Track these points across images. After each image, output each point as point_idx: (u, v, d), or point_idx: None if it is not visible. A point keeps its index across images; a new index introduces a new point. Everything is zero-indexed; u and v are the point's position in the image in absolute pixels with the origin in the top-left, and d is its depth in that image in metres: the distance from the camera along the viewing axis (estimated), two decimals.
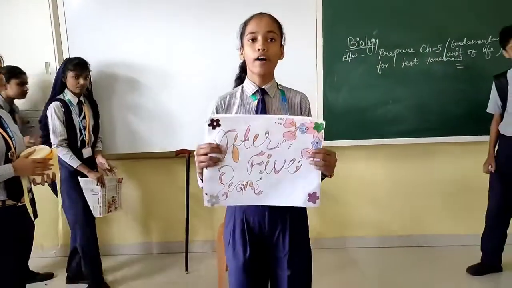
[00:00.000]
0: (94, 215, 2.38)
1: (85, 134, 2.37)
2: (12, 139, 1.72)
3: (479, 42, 2.61)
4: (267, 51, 1.21)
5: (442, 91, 2.67)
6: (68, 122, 2.28)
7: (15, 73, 2.41)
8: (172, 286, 2.57)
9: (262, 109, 1.27)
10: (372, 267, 2.71)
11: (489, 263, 2.51)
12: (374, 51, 2.65)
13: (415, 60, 2.66)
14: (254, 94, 1.30)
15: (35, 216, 1.88)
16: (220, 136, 1.12)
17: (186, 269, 2.72)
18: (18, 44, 2.63)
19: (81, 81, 2.30)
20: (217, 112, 1.30)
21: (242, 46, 1.29)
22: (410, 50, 2.65)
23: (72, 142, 2.31)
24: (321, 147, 1.13)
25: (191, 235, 2.86)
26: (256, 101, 1.29)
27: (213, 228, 2.96)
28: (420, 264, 2.70)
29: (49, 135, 2.30)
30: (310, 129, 1.12)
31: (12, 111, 2.48)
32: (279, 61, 1.29)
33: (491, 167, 2.43)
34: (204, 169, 1.15)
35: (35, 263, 2.63)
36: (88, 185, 2.32)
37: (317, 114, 2.64)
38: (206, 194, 1.17)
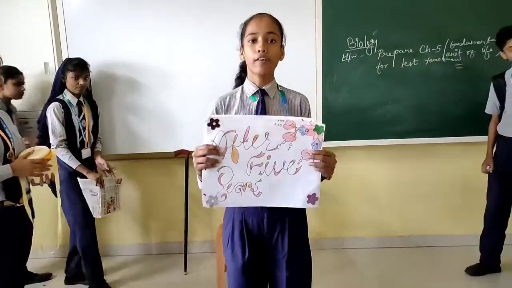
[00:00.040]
0: (94, 216, 2.38)
1: (85, 135, 2.36)
2: (11, 139, 1.71)
3: (478, 42, 2.62)
4: (267, 52, 1.21)
5: (441, 92, 2.68)
6: (67, 122, 2.28)
7: (12, 73, 2.40)
8: (171, 287, 2.56)
9: (262, 110, 1.27)
10: (371, 267, 2.71)
11: (487, 264, 2.52)
12: (373, 52, 2.65)
13: (414, 60, 2.66)
14: (254, 94, 1.30)
15: (33, 217, 1.87)
16: (219, 137, 1.12)
17: (185, 270, 2.72)
18: (17, 44, 2.62)
19: (81, 81, 2.29)
20: (217, 113, 1.30)
21: (242, 46, 1.28)
22: (409, 50, 2.65)
23: (72, 143, 2.30)
24: (321, 149, 1.13)
25: (191, 236, 2.86)
26: (256, 102, 1.29)
27: (212, 229, 2.95)
28: (419, 264, 2.71)
29: (47, 136, 2.30)
30: (310, 131, 1.12)
31: (9, 111, 2.47)
32: (279, 61, 1.29)
33: (489, 167, 2.43)
34: (203, 170, 1.15)
35: (33, 264, 2.63)
36: (87, 185, 2.31)
37: (316, 115, 2.64)
38: (204, 194, 1.17)
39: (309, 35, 2.60)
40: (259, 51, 1.20)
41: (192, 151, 1.16)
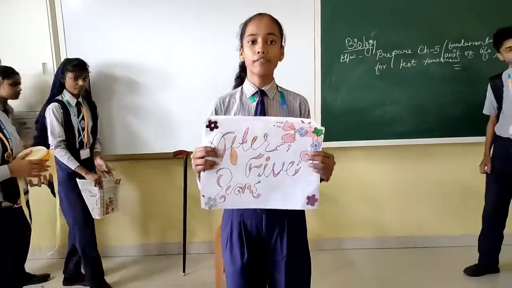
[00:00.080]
0: (93, 217, 2.37)
1: (84, 135, 2.36)
2: (9, 140, 1.70)
3: (476, 43, 2.62)
4: (267, 53, 1.20)
5: (439, 92, 2.68)
6: (66, 123, 2.27)
7: (8, 74, 2.39)
8: None
9: (261, 110, 1.27)
10: (370, 268, 2.71)
11: (486, 264, 2.52)
12: (372, 52, 2.66)
13: (413, 61, 2.66)
14: (253, 95, 1.29)
15: (30, 218, 1.87)
16: (218, 138, 1.12)
17: (184, 271, 2.71)
18: (15, 44, 2.60)
19: (80, 82, 2.29)
20: (216, 113, 1.29)
21: (241, 46, 1.28)
22: (408, 51, 2.65)
23: (71, 144, 2.30)
24: (321, 150, 1.13)
25: (190, 237, 2.86)
26: (255, 103, 1.28)
27: (212, 230, 2.95)
28: (418, 265, 2.71)
29: (45, 136, 2.29)
30: (309, 133, 1.12)
31: (6, 111, 2.45)
32: (279, 62, 1.29)
33: (487, 167, 2.44)
34: (201, 172, 1.14)
35: (31, 265, 2.62)
36: (86, 186, 2.31)
37: (315, 115, 2.64)
38: (203, 196, 1.16)
39: (308, 36, 2.60)
40: (258, 52, 1.20)
41: (191, 152, 1.16)
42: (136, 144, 2.71)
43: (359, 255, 2.88)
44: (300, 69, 2.56)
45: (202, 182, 1.15)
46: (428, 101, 2.69)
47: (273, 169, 1.14)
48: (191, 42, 2.61)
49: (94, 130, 2.47)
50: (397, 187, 2.93)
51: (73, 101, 2.33)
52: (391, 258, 2.82)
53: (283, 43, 1.29)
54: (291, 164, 1.14)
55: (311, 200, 1.16)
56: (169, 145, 2.69)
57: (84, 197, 2.33)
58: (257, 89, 1.28)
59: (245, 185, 1.15)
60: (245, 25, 1.26)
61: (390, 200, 2.95)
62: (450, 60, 2.66)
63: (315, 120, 1.14)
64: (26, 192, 1.83)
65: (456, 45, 2.63)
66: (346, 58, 2.66)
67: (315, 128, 1.11)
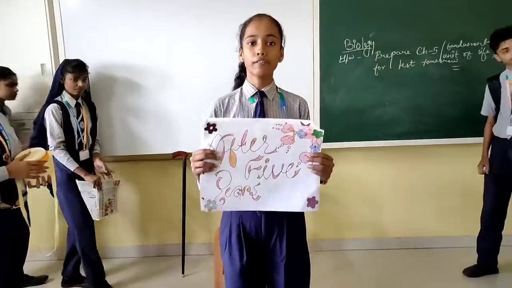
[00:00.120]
0: (92, 218, 2.37)
1: (83, 137, 2.35)
2: (7, 141, 1.70)
3: (474, 44, 2.63)
4: (266, 55, 1.20)
5: (438, 93, 2.68)
6: (65, 124, 2.27)
7: (4, 74, 2.38)
8: None
9: (261, 112, 1.26)
10: (369, 269, 2.71)
11: (485, 265, 2.52)
12: (370, 53, 2.66)
13: (411, 62, 2.67)
14: (252, 96, 1.29)
15: (28, 220, 1.86)
16: (216, 141, 1.11)
17: (183, 272, 2.71)
18: (14, 45, 2.60)
19: (80, 83, 2.29)
20: (216, 114, 1.29)
21: (241, 47, 1.28)
22: (406, 52, 2.66)
23: (70, 145, 2.29)
24: (320, 151, 1.13)
25: (189, 238, 2.85)
26: (254, 104, 1.28)
27: (211, 231, 2.94)
28: (417, 266, 2.71)
29: (42, 137, 2.29)
30: (309, 135, 1.12)
31: (3, 112, 2.45)
32: (278, 63, 1.29)
33: (485, 168, 2.44)
34: (201, 175, 1.14)
35: (29, 267, 2.61)
36: (86, 188, 2.31)
37: (314, 116, 2.64)
38: (203, 198, 1.16)
39: (307, 37, 2.60)
40: (258, 53, 1.20)
41: (190, 153, 1.16)
42: (135, 145, 2.71)
43: (358, 256, 2.88)
44: (299, 70, 2.56)
45: (201, 185, 1.15)
46: (426, 102, 2.70)
47: (272, 171, 1.14)
48: (191, 42, 2.60)
49: (93, 131, 2.47)
50: (396, 188, 2.93)
51: (72, 102, 2.32)
52: (390, 259, 2.82)
53: (282, 44, 1.29)
54: (290, 166, 1.14)
55: (311, 202, 1.15)
56: (168, 146, 2.68)
57: (83, 198, 2.32)
58: (257, 90, 1.28)
59: (244, 187, 1.15)
60: (244, 26, 1.26)
61: (389, 201, 2.95)
62: (449, 61, 2.66)
63: (314, 121, 1.14)
64: (25, 194, 1.82)
65: (455, 46, 2.64)
66: (345, 59, 2.66)
67: (314, 130, 1.11)
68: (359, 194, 2.94)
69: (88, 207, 2.33)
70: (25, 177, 1.70)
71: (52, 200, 1.94)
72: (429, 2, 2.60)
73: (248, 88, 1.30)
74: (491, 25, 2.32)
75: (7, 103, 2.52)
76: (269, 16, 1.26)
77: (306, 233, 1.38)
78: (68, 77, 2.26)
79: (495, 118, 2.42)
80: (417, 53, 2.65)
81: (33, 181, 1.73)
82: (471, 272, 2.52)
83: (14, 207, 1.71)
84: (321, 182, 1.18)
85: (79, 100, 2.37)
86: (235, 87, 1.38)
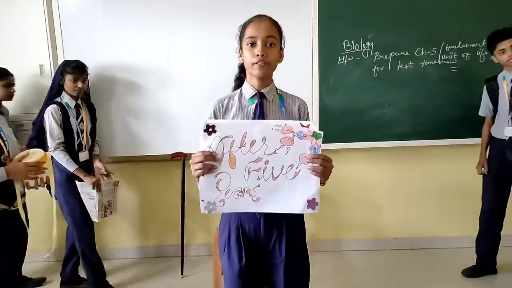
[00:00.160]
0: (92, 219, 2.36)
1: (83, 138, 2.35)
2: (6, 142, 1.70)
3: (473, 45, 2.64)
4: (266, 56, 1.20)
5: (436, 94, 2.69)
6: (65, 125, 2.27)
7: (1, 75, 2.37)
8: None
9: (260, 113, 1.26)
10: (368, 269, 2.71)
11: (484, 265, 2.53)
12: (369, 54, 2.66)
13: (410, 63, 2.67)
14: (252, 97, 1.29)
15: (27, 221, 1.85)
16: (216, 143, 1.11)
17: (182, 273, 2.70)
18: (12, 46, 2.59)
19: (79, 84, 2.28)
20: (215, 115, 1.29)
21: (240, 48, 1.28)
22: (405, 53, 2.66)
23: (69, 146, 2.29)
24: (320, 153, 1.13)
25: (188, 239, 2.85)
26: (254, 105, 1.28)
27: (210, 232, 2.94)
28: (416, 266, 2.71)
29: (41, 137, 2.29)
30: (308, 136, 1.11)
31: (1, 113, 2.44)
32: (278, 64, 1.28)
33: (484, 168, 2.44)
34: (200, 177, 1.14)
35: (27, 268, 2.59)
36: (85, 189, 2.30)
37: (313, 117, 2.64)
38: (202, 201, 1.16)
39: (306, 38, 2.60)
40: (258, 55, 1.19)
41: (189, 154, 1.16)
42: (135, 146, 2.70)
43: (357, 257, 2.88)
44: (298, 71, 2.56)
45: (201, 187, 1.15)
46: (425, 103, 2.70)
47: (272, 173, 1.14)
48: (190, 42, 2.60)
49: (93, 132, 2.46)
50: (395, 188, 2.93)
51: (72, 103, 2.32)
52: (389, 260, 2.82)
53: (282, 45, 1.28)
54: (290, 168, 1.13)
55: (311, 203, 1.15)
56: (168, 146, 2.68)
57: (83, 199, 2.32)
58: (256, 91, 1.28)
59: (244, 189, 1.15)
60: (244, 27, 1.26)
61: (388, 201, 2.95)
62: (447, 62, 2.67)
63: (313, 122, 1.14)
64: (23, 195, 1.81)
65: (453, 47, 2.65)
66: (344, 60, 2.67)
67: (314, 132, 1.11)
68: (358, 194, 2.95)
69: (87, 208, 2.33)
70: (23, 178, 1.70)
71: (51, 201, 1.93)
72: (428, 4, 2.61)
73: (248, 89, 1.30)
74: (489, 26, 2.33)
75: (5, 103, 2.51)
76: (269, 17, 1.25)
77: (305, 235, 1.38)
78: (68, 78, 2.26)
79: (493, 119, 2.43)
80: (415, 54, 2.66)
81: (32, 182, 1.73)
82: (470, 273, 2.53)
83: (12, 208, 1.71)
84: (320, 183, 1.18)
85: (79, 101, 2.37)
86: (235, 88, 1.38)
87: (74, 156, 2.29)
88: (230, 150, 1.12)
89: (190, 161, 1.14)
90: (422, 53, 2.66)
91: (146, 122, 2.68)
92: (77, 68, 2.26)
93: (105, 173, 2.45)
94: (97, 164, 2.45)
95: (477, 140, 2.55)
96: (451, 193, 2.90)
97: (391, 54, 2.66)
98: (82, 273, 2.58)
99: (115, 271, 2.79)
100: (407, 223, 2.97)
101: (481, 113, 2.50)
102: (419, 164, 2.90)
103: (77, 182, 2.29)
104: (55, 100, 2.29)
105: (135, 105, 2.67)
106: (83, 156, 2.36)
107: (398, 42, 2.64)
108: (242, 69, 1.38)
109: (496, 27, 2.28)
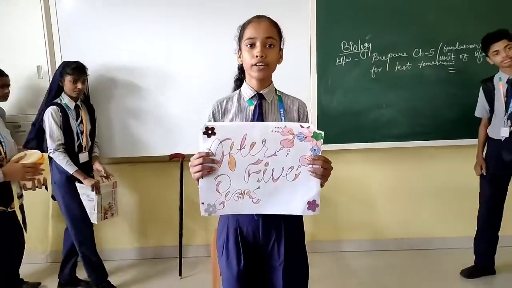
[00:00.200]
0: (91, 221, 2.35)
1: (82, 139, 2.34)
2: (2, 143, 1.69)
3: (471, 46, 2.64)
4: (265, 57, 1.19)
5: (434, 95, 2.70)
6: (65, 126, 2.26)
7: None
8: None
9: (259, 114, 1.25)
10: (367, 270, 2.71)
11: (482, 266, 2.53)
12: (367, 55, 2.67)
13: (408, 64, 2.68)
14: (251, 98, 1.28)
15: (24, 223, 1.84)
16: (215, 145, 1.11)
17: (180, 274, 2.69)
18: (10, 46, 2.57)
19: (79, 85, 2.27)
20: (214, 116, 1.29)
21: (240, 49, 1.27)
22: (403, 54, 2.66)
23: (69, 147, 2.28)
24: (320, 154, 1.12)
25: (187, 240, 2.84)
26: (253, 106, 1.27)
27: (209, 232, 2.93)
28: (415, 267, 2.71)
29: (40, 138, 2.28)
30: (309, 137, 1.11)
31: None
32: (277, 64, 1.28)
33: (483, 168, 2.45)
34: (200, 179, 1.13)
35: (24, 269, 2.55)
36: (85, 191, 2.30)
37: (311, 118, 2.63)
38: (202, 203, 1.15)
39: (304, 39, 2.60)
40: (257, 56, 1.19)
41: (188, 155, 1.15)
42: (135, 147, 2.69)
43: (356, 257, 2.88)
44: (297, 71, 2.55)
45: (201, 189, 1.14)
46: (423, 104, 2.71)
47: (272, 175, 1.13)
48: (190, 43, 2.59)
49: (92, 134, 2.46)
50: (394, 189, 2.94)
51: (71, 104, 2.31)
52: (388, 260, 2.83)
53: (281, 46, 1.28)
54: (290, 169, 1.13)
55: (311, 205, 1.15)
56: (168, 147, 2.66)
57: (82, 200, 2.31)
58: (255, 93, 1.28)
59: (244, 191, 1.14)
60: (243, 27, 1.25)
61: (387, 202, 2.95)
62: (445, 63, 2.68)
63: (311, 123, 1.14)
64: (21, 196, 1.80)
65: (451, 48, 2.65)
66: (342, 61, 2.67)
67: (314, 133, 1.10)
68: (356, 195, 2.95)
69: (87, 210, 2.32)
70: (20, 179, 1.69)
71: (47, 203, 1.92)
72: (425, 5, 2.61)
73: (247, 90, 1.29)
74: (487, 27, 2.34)
75: (1, 104, 2.49)
76: (268, 18, 1.24)
77: (304, 236, 1.37)
78: (68, 79, 2.25)
79: (489, 120, 2.44)
80: (413, 55, 2.66)
81: (29, 184, 1.72)
82: (469, 273, 2.53)
83: (9, 209, 1.70)
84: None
85: (78, 102, 2.36)
86: (235, 89, 1.37)
87: (74, 158, 2.29)
88: (229, 152, 1.11)
89: (189, 164, 1.13)
90: (420, 54, 2.66)
91: (145, 123, 2.67)
92: (77, 69, 2.26)
93: (105, 175, 2.44)
94: (96, 166, 2.45)
95: (475, 141, 2.56)
96: (450, 193, 2.90)
97: (389, 55, 2.66)
98: (80, 274, 2.57)
99: (113, 272, 2.77)
100: (406, 224, 2.97)
101: (477, 113, 2.51)
102: (418, 164, 2.90)
103: (77, 184, 2.29)
104: (54, 101, 2.28)
105: (135, 105, 2.66)
106: (83, 157, 2.36)
107: (396, 43, 2.64)
108: (242, 70, 1.37)
109: (494, 28, 2.29)
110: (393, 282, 2.53)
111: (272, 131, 1.11)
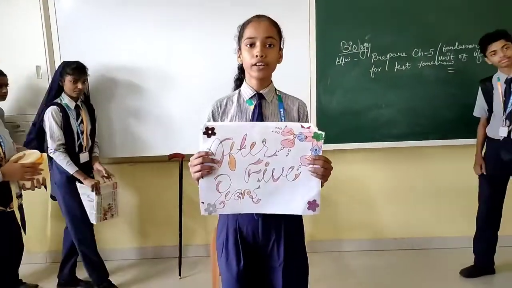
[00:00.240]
0: (91, 221, 2.35)
1: (83, 139, 2.34)
2: (1, 143, 1.69)
3: (470, 46, 2.65)
4: (265, 57, 1.19)
5: (434, 95, 2.70)
6: (65, 126, 2.26)
7: None
8: None
9: (259, 114, 1.25)
10: (366, 270, 2.71)
11: (482, 266, 2.54)
12: (367, 55, 2.67)
13: (407, 64, 2.68)
14: (251, 98, 1.28)
15: (23, 222, 1.84)
16: (215, 145, 1.11)
17: (180, 274, 2.69)
18: (9, 46, 2.57)
19: (80, 85, 2.27)
20: (213, 116, 1.28)
21: (239, 49, 1.27)
22: (402, 54, 2.67)
23: (70, 147, 2.28)
24: (321, 154, 1.12)
25: (187, 240, 2.83)
26: (252, 106, 1.27)
27: (209, 232, 2.93)
28: (414, 266, 2.72)
29: (40, 138, 2.28)
30: (309, 138, 1.11)
31: None
32: (277, 64, 1.28)
33: (482, 168, 2.45)
34: (200, 179, 1.13)
35: (23, 269, 2.55)
36: (85, 191, 2.30)
37: (311, 118, 2.63)
38: (202, 203, 1.15)
39: (304, 38, 2.60)
40: (257, 56, 1.19)
41: (187, 155, 1.15)
42: (135, 147, 2.69)
43: (356, 257, 2.88)
44: (296, 71, 2.55)
45: (201, 189, 1.14)
46: (422, 103, 2.71)
47: (272, 174, 1.13)
48: (190, 43, 2.59)
49: (92, 133, 2.45)
50: (393, 189, 2.94)
51: (72, 104, 2.31)
52: (388, 260, 2.83)
53: (281, 46, 1.28)
54: (291, 169, 1.13)
55: (312, 205, 1.15)
56: (168, 147, 2.66)
57: (82, 200, 2.31)
58: (255, 92, 1.27)
59: (244, 190, 1.14)
60: (243, 27, 1.25)
61: (386, 201, 2.96)
62: (444, 63, 2.68)
63: (311, 123, 1.14)
64: (20, 196, 1.80)
65: (450, 48, 2.66)
66: (341, 61, 2.67)
67: (315, 133, 1.10)
68: (356, 195, 2.95)
69: (86, 210, 2.32)
70: (19, 179, 1.69)
71: (45, 204, 1.92)
72: (424, 5, 2.62)
73: (247, 90, 1.29)
74: (486, 27, 2.34)
75: (0, 104, 2.49)
76: (268, 18, 1.24)
77: (304, 237, 1.37)
78: (68, 79, 2.25)
79: (488, 120, 2.44)
80: (413, 55, 2.66)
81: (28, 184, 1.72)
82: (468, 273, 2.53)
83: (8, 209, 1.70)
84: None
85: (78, 102, 2.36)
86: (235, 89, 1.37)
87: (74, 158, 2.29)
88: (230, 152, 1.11)
89: (189, 164, 1.13)
90: (419, 54, 2.67)
91: (145, 123, 2.67)
92: (77, 69, 2.25)
93: (106, 175, 2.44)
94: (97, 166, 2.44)
95: (474, 141, 2.56)
96: (449, 193, 2.91)
97: (388, 55, 2.67)
98: (79, 274, 2.57)
99: (113, 272, 2.76)
100: (405, 223, 2.97)
101: (475, 113, 2.52)
102: (417, 164, 2.91)
103: (77, 184, 2.28)
104: (54, 101, 2.28)
105: (135, 105, 2.65)
106: (84, 157, 2.35)
107: (395, 43, 2.65)
108: (242, 70, 1.37)
109: (493, 29, 2.29)
110: (393, 281, 2.53)
111: (272, 131, 1.11)
